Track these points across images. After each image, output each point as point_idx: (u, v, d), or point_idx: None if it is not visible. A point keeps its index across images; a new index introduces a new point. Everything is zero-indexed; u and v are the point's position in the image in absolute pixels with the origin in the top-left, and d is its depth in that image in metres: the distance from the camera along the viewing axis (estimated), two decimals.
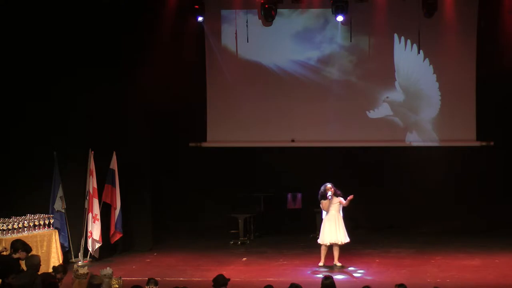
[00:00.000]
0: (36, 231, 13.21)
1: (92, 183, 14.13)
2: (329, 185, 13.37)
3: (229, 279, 8.90)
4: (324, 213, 13.52)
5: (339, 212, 13.38)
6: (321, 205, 13.46)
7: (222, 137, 16.99)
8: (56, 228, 13.65)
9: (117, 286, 9.29)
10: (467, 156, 16.62)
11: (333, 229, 13.33)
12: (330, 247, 13.44)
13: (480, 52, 16.23)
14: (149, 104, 15.69)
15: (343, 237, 13.37)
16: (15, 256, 10.28)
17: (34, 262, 9.76)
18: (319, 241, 13.49)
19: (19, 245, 10.44)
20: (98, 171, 14.20)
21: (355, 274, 12.92)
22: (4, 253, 10.80)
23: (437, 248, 14.88)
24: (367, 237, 15.90)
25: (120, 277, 9.50)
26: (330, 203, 13.32)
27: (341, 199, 13.37)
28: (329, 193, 13.27)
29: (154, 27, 15.48)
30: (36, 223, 13.28)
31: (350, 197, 13.26)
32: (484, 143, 16.45)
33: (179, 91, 16.53)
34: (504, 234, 15.63)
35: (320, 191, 13.42)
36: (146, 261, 14.36)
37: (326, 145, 16.77)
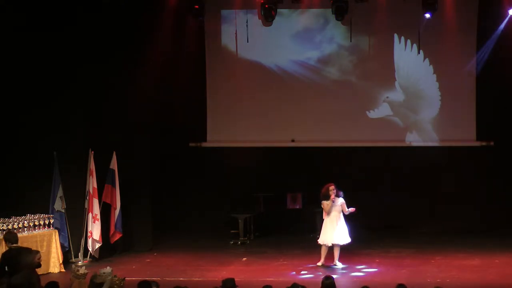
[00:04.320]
0: (36, 231, 13.24)
1: (92, 183, 14.13)
2: (332, 186, 13.34)
3: (237, 286, 8.88)
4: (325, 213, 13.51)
5: (340, 213, 13.38)
6: (322, 205, 13.44)
7: (222, 137, 16.99)
8: (56, 228, 13.67)
9: (117, 281, 9.28)
10: (467, 156, 16.61)
11: (334, 230, 13.33)
12: (331, 247, 13.44)
13: (480, 52, 16.24)
14: (149, 104, 15.69)
15: (344, 238, 13.38)
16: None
17: (30, 261, 9.76)
18: (320, 241, 13.49)
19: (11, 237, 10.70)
20: (98, 171, 14.20)
21: (355, 274, 12.91)
22: None
23: (437, 248, 14.88)
24: (367, 237, 15.88)
25: (124, 278, 9.48)
26: (332, 205, 13.31)
27: (343, 202, 13.35)
28: (332, 196, 13.24)
29: (154, 27, 15.47)
30: (36, 223, 13.30)
31: (352, 210, 13.29)
32: (484, 143, 16.45)
33: (179, 91, 16.56)
34: (504, 234, 15.63)
35: (322, 191, 13.40)
36: (146, 261, 14.36)
37: (326, 145, 16.78)
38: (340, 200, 13.36)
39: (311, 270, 13.19)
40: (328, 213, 13.37)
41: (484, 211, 16.44)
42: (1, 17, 13.84)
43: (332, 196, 13.25)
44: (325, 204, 13.33)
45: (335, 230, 13.32)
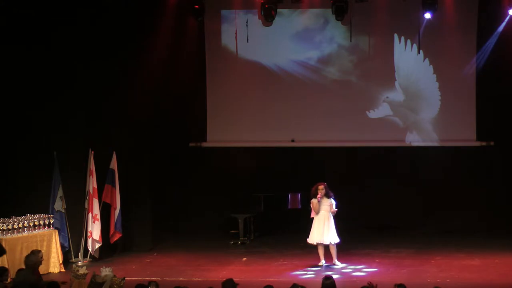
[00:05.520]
0: (36, 231, 13.24)
1: (92, 183, 14.13)
2: (321, 186, 13.36)
3: (237, 284, 8.89)
4: (313, 211, 13.50)
5: (329, 212, 13.37)
6: (311, 204, 13.46)
7: (222, 137, 16.99)
8: (56, 228, 13.67)
9: (117, 281, 9.29)
10: (467, 156, 16.61)
11: (321, 229, 13.33)
12: (327, 247, 13.45)
13: (480, 52, 16.24)
14: (149, 104, 15.69)
15: (331, 238, 13.35)
16: None
17: (34, 260, 9.77)
18: (308, 240, 13.51)
19: None
20: (98, 171, 14.19)
21: (355, 274, 12.91)
22: None
23: (437, 248, 14.87)
24: (367, 237, 15.90)
25: (124, 278, 9.49)
26: (319, 204, 13.32)
27: (333, 202, 13.36)
28: (319, 196, 13.27)
29: (154, 27, 15.48)
30: (36, 223, 13.30)
31: (334, 210, 13.31)
32: (484, 143, 16.45)
33: (179, 91, 16.57)
34: (504, 234, 15.61)
35: (312, 190, 13.43)
36: (146, 261, 14.36)
37: (326, 145, 16.78)
38: (330, 201, 13.35)
39: (311, 271, 13.18)
40: (317, 212, 13.38)
41: (484, 211, 16.42)
42: (2, 16, 13.85)
43: (318, 195, 13.26)
44: (313, 203, 13.36)
45: (322, 229, 13.31)
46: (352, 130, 16.69)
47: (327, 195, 13.34)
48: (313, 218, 13.51)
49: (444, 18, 16.03)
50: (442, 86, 16.51)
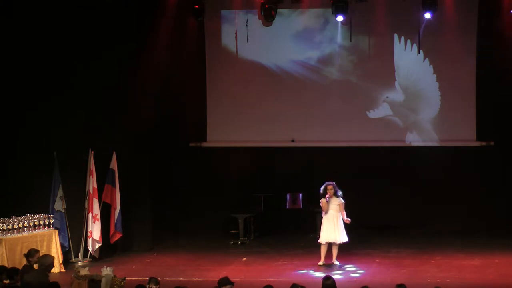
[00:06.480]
0: (36, 231, 13.24)
1: (92, 183, 14.13)
2: (329, 186, 13.40)
3: (233, 283, 8.91)
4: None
5: (338, 212, 13.40)
6: (320, 204, 13.50)
7: (222, 137, 17.00)
8: (56, 228, 13.66)
9: (118, 281, 9.29)
10: (467, 156, 16.61)
11: (331, 228, 13.38)
12: (330, 246, 13.47)
13: (480, 52, 16.24)
14: (149, 104, 15.69)
15: (340, 237, 13.41)
16: None
17: (47, 262, 9.78)
18: (319, 240, 13.55)
19: None
20: (98, 171, 14.19)
21: (354, 274, 12.91)
22: None
23: (437, 248, 14.87)
24: (367, 237, 15.89)
25: (124, 278, 9.50)
26: (328, 204, 13.35)
27: (342, 202, 13.39)
28: (328, 195, 13.32)
29: (154, 27, 15.48)
30: (36, 223, 13.30)
31: (346, 220, 13.41)
32: (484, 143, 16.46)
33: (179, 91, 16.57)
34: (504, 234, 15.61)
35: (321, 190, 13.46)
36: (146, 261, 14.36)
37: (326, 145, 16.78)
38: (339, 200, 13.39)
39: (312, 270, 13.19)
40: (326, 212, 13.43)
41: (484, 211, 16.42)
42: (2, 16, 13.86)
43: (327, 195, 13.30)
44: (323, 202, 13.41)
45: (331, 229, 13.37)
46: (352, 130, 16.70)
47: (336, 194, 13.40)
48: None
49: (444, 18, 16.04)
50: (442, 86, 16.52)
